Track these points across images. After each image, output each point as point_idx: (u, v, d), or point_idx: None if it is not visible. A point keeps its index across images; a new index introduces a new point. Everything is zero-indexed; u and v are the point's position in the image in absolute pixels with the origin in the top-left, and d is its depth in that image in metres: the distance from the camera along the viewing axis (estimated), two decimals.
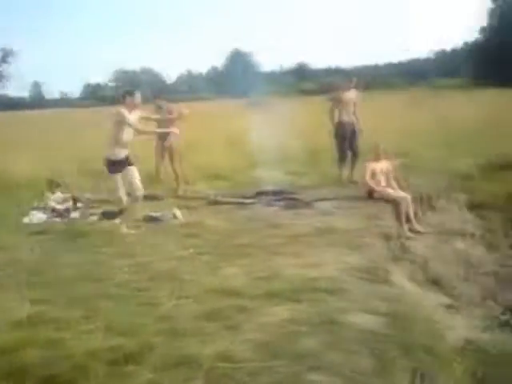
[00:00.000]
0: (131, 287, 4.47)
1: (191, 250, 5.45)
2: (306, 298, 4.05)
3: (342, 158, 8.89)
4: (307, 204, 7.25)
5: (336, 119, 8.81)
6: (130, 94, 6.15)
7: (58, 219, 7.26)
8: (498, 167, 9.43)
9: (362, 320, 3.70)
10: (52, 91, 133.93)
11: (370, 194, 7.21)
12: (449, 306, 4.12)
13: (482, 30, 47.40)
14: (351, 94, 8.80)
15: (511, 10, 43.31)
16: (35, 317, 3.76)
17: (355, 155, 8.80)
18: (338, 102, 8.80)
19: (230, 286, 4.30)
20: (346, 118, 8.71)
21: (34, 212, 7.44)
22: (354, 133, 8.77)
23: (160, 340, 3.41)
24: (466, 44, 54.18)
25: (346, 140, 8.76)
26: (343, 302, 4.00)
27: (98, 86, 77.54)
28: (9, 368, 3.07)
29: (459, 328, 3.88)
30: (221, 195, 8.13)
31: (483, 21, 47.89)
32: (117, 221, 6.82)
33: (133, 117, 6.09)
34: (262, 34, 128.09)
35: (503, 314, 4.82)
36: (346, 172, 8.87)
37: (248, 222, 6.62)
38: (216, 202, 7.78)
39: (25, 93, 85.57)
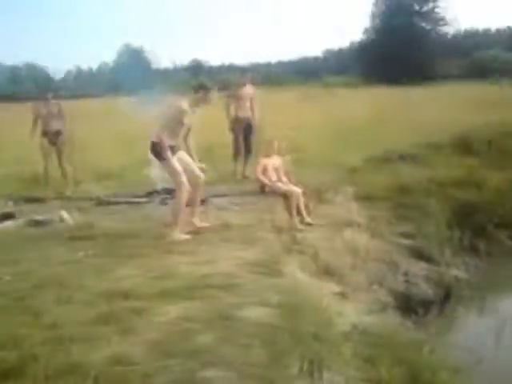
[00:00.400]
0: (14, 296, 4.18)
1: (81, 254, 5.21)
2: (200, 294, 4.03)
3: (236, 154, 9.00)
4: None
5: (232, 115, 8.89)
6: None
7: None
8: (382, 160, 10.05)
9: (255, 313, 3.74)
10: None
11: (262, 189, 7.34)
12: (338, 294, 4.31)
13: (366, 30, 50.17)
14: (247, 90, 8.91)
15: (391, 12, 46.17)
16: None
17: (249, 151, 8.93)
18: (233, 98, 8.88)
19: (122, 287, 4.16)
20: (241, 114, 8.81)
21: None
22: (249, 128, 8.89)
23: (45, 350, 3.22)
24: (351, 44, 57.09)
25: (241, 135, 8.86)
26: (237, 296, 4.02)
27: None
28: None
29: (348, 314, 4.07)
30: (112, 195, 7.88)
31: (367, 22, 50.77)
32: None
33: None
34: (155, 31, 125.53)
35: (386, 297, 5.15)
36: (240, 167, 8.98)
37: (141, 222, 6.48)
38: (107, 203, 7.52)
39: None
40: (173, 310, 3.77)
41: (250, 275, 4.53)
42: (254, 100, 9.01)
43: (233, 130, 8.97)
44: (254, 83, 9.35)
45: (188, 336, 3.36)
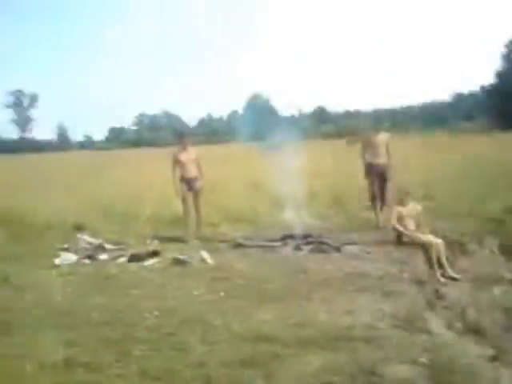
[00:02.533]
0: (161, 331, 4.42)
1: (222, 294, 5.39)
2: (342, 346, 3.95)
3: (371, 201, 8.85)
4: (336, 248, 7.16)
5: (367, 161, 8.84)
6: None
7: (87, 261, 7.27)
8: None
9: (401, 371, 3.58)
10: (77, 134, 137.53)
11: (399, 239, 7.09)
12: (491, 358, 3.94)
13: (498, 74, 47.57)
14: (381, 137, 8.84)
15: None
16: (69, 359, 3.72)
17: (384, 199, 8.70)
18: (368, 145, 8.86)
19: (263, 331, 4.21)
20: (376, 160, 8.71)
21: (64, 253, 7.48)
22: (384, 175, 8.73)
23: None
24: (482, 88, 54.43)
25: (376, 182, 8.73)
26: (380, 351, 3.88)
27: (121, 130, 79.20)
28: None
29: (506, 382, 3.71)
30: (246, 238, 8.09)
31: (498, 65, 48.18)
32: (145, 263, 6.84)
33: None
34: (281, 79, 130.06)
35: None
36: (376, 215, 8.77)
37: (277, 266, 6.54)
38: (241, 245, 7.72)
39: (51, 136, 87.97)
40: (315, 360, 3.73)
41: (392, 329, 4.35)
42: (389, 147, 8.88)
43: (367, 176, 8.87)
44: (387, 130, 9.22)
45: None
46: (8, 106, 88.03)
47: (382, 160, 8.74)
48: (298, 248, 7.31)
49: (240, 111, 71.83)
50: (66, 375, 3.45)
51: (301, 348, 3.93)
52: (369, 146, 8.85)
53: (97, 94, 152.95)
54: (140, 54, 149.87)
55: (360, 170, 9.11)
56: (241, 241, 7.85)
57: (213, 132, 61.58)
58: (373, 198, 8.82)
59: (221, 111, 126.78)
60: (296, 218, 8.89)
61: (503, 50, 47.08)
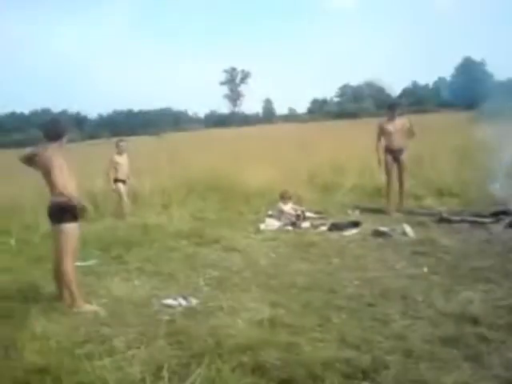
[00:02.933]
0: (362, 301, 4.47)
1: (425, 269, 5.22)
2: None
3: None
4: None
5: None
6: None
7: (290, 228, 7.67)
8: None
9: None
10: (282, 107, 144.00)
11: None
12: None
13: None
14: None
15: None
16: (274, 319, 4.00)
17: None
18: None
19: (469, 312, 3.98)
20: None
21: (269, 219, 8.00)
22: None
23: (394, 359, 3.32)
24: None
25: None
26: None
27: (323, 102, 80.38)
28: (252, 364, 3.29)
29: None
30: (452, 212, 7.64)
31: None
32: (345, 233, 6.96)
33: None
34: (493, 42, 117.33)
35: None
36: None
37: (486, 244, 6.09)
38: (447, 220, 7.32)
39: (258, 109, 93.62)
40: None
41: None
42: None
43: None
44: None
45: None
46: (223, 83, 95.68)
47: None
48: (511, 225, 6.66)
49: (448, 78, 67.42)
50: (270, 334, 3.71)
51: (510, 333, 3.63)
52: None
53: (299, 68, 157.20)
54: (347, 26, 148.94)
55: None
56: (446, 215, 7.44)
57: (418, 101, 58.66)
58: None
59: (426, 79, 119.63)
60: (508, 194, 8.09)
61: None
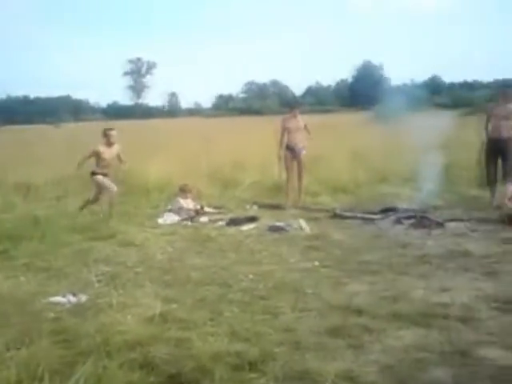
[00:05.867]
0: (255, 295, 4.54)
1: (316, 263, 5.41)
2: (435, 324, 3.81)
3: (488, 178, 8.24)
4: (439, 224, 6.86)
5: (488, 135, 8.20)
6: None
7: (188, 222, 7.63)
8: None
9: (499, 356, 3.37)
10: (187, 101, 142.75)
11: (511, 219, 6.64)
12: None
13: None
14: (507, 108, 8.04)
15: None
16: (165, 315, 3.95)
17: (505, 176, 8.03)
18: (490, 116, 8.18)
19: (355, 303, 4.18)
20: (496, 135, 8.06)
21: (168, 213, 7.90)
22: (505, 150, 8.04)
23: (282, 351, 3.41)
24: None
25: (494, 157, 8.12)
26: (477, 333, 3.69)
27: (229, 97, 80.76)
28: (141, 360, 3.24)
29: None
30: (345, 209, 8.00)
31: None
32: (243, 228, 7.03)
33: None
34: (393, 47, 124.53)
35: None
36: (494, 194, 8.10)
37: (374, 239, 6.44)
38: (340, 216, 7.66)
39: (163, 102, 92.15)
40: (406, 335, 3.65)
41: (491, 311, 4.11)
42: None
43: (488, 152, 8.24)
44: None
45: (423, 367, 3.20)
46: (127, 73, 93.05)
47: (505, 134, 8.03)
48: (398, 222, 7.11)
49: (349, 79, 70.36)
50: (161, 329, 3.67)
51: (392, 322, 3.86)
52: (492, 119, 8.16)
53: (205, 62, 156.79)
54: (249, 24, 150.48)
55: (476, 144, 8.53)
56: (339, 212, 7.78)
57: (320, 101, 60.78)
58: (490, 176, 8.19)
59: (329, 80, 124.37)
60: (398, 192, 8.63)
61: None
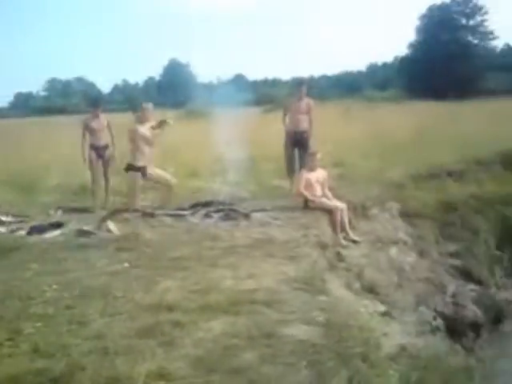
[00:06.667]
0: (60, 305, 4.26)
1: (126, 264, 5.28)
2: (243, 310, 4.00)
3: (288, 168, 8.87)
4: (246, 215, 7.22)
5: (286, 128, 8.81)
6: None
7: None
8: (427, 177, 9.81)
9: (300, 331, 3.67)
10: None
11: (306, 204, 7.27)
12: (384, 313, 4.17)
13: (410, 45, 49.59)
14: (303, 103, 8.74)
15: (437, 26, 45.50)
16: None
17: (302, 165, 8.69)
18: (287, 111, 8.81)
19: (166, 300, 4.18)
20: (294, 127, 8.69)
21: None
22: (302, 142, 8.70)
23: (91, 359, 3.26)
24: (395, 58, 56.59)
25: (293, 149, 8.75)
26: (280, 313, 3.97)
27: (29, 95, 74.66)
28: None
29: (394, 335, 3.94)
30: (156, 207, 7.95)
31: (411, 37, 50.30)
32: (47, 235, 6.55)
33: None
34: (198, 46, 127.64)
35: (434, 319, 4.97)
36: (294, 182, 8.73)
37: (185, 234, 6.51)
38: (151, 215, 7.58)
39: None
40: (216, 326, 3.75)
41: (293, 291, 4.46)
42: (311, 113, 8.78)
43: (288, 143, 8.85)
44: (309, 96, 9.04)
45: (231, 353, 3.33)
46: None
47: (301, 127, 8.72)
48: (207, 216, 7.30)
49: (157, 77, 70.17)
50: None
51: (202, 314, 3.94)
52: (290, 113, 8.81)
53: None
54: (52, 14, 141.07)
55: (279, 137, 9.11)
56: (150, 210, 7.71)
57: (128, 99, 59.48)
58: (289, 167, 8.84)
59: (137, 77, 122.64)
60: (208, 186, 8.85)
61: (417, 22, 48.97)
